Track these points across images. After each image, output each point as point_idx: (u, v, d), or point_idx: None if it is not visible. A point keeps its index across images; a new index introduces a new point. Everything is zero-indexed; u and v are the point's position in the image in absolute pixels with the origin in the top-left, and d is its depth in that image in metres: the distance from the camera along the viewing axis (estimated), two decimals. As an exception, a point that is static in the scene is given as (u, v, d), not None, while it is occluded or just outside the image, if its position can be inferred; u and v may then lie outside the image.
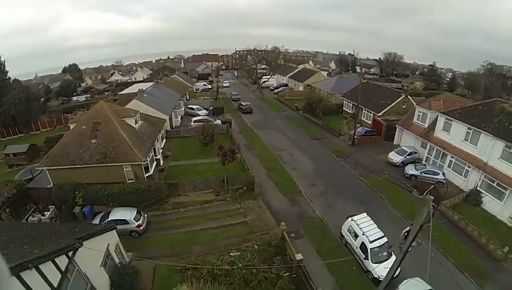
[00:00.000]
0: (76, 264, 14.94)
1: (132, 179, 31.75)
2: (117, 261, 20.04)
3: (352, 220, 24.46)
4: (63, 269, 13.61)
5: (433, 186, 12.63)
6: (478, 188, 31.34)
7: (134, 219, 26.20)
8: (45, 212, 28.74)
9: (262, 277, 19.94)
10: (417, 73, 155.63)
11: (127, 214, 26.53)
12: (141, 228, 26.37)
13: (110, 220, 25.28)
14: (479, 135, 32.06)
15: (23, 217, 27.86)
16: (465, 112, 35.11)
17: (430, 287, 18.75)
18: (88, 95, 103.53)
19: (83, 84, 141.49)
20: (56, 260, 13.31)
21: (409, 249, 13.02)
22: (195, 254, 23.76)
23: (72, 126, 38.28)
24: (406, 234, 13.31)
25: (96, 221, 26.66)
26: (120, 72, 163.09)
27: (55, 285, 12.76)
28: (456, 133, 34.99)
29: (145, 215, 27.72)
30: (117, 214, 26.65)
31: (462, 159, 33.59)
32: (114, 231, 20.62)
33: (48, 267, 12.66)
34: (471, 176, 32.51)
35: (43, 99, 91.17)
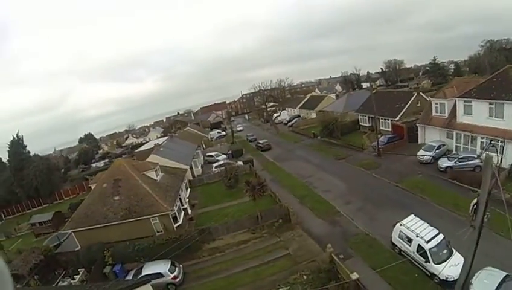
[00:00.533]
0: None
1: (161, 231, 30.48)
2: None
3: (401, 225, 22.61)
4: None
5: (489, 141, 10.76)
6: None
7: (169, 271, 24.75)
8: (75, 276, 28.00)
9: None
10: (420, 74, 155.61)
11: (160, 267, 25.10)
12: (177, 279, 24.81)
13: (144, 275, 23.82)
14: (503, 107, 30.86)
15: (52, 283, 27.21)
16: (480, 89, 34.07)
17: (505, 273, 16.94)
18: (106, 160, 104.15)
19: (100, 151, 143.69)
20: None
21: (484, 224, 11.00)
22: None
23: (93, 187, 37.63)
24: (474, 207, 11.26)
25: (129, 278, 25.31)
26: (134, 135, 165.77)
27: None
28: (479, 113, 33.65)
29: (180, 266, 26.24)
30: (150, 268, 25.29)
31: (492, 136, 31.39)
32: (148, 285, 18.97)
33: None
34: (507, 151, 29.94)
35: (63, 169, 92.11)
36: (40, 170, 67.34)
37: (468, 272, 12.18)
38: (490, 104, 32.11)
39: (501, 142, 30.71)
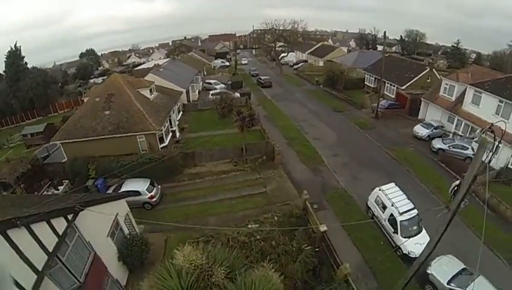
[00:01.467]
0: (78, 229, 13.51)
1: (146, 150, 30.62)
2: (126, 232, 18.76)
3: (380, 190, 22.48)
4: (60, 232, 12.11)
5: (490, 126, 10.32)
6: (510, 166, 28.88)
7: (147, 190, 25.06)
8: (59, 187, 28.34)
9: (282, 250, 18.12)
10: (440, 52, 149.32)
11: (139, 185, 25.31)
12: (154, 199, 25.18)
13: (122, 192, 24.00)
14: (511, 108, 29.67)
15: (37, 192, 27.47)
16: (496, 84, 32.56)
17: (464, 266, 17.39)
18: (105, 77, 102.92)
19: (100, 68, 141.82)
20: (53, 222, 11.83)
21: (459, 209, 10.69)
22: (210, 225, 22.14)
23: (85, 100, 37.37)
24: (455, 188, 11.01)
25: (109, 192, 25.67)
26: (137, 55, 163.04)
27: (50, 249, 11.26)
28: (486, 106, 32.45)
29: (159, 186, 26.58)
30: (130, 185, 25.46)
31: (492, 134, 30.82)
32: (124, 201, 19.41)
33: (42, 229, 11.18)
34: (502, 153, 29.40)
35: (60, 83, 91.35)
36: (36, 82, 66.90)
37: (430, 251, 12.21)
38: (500, 101, 30.95)
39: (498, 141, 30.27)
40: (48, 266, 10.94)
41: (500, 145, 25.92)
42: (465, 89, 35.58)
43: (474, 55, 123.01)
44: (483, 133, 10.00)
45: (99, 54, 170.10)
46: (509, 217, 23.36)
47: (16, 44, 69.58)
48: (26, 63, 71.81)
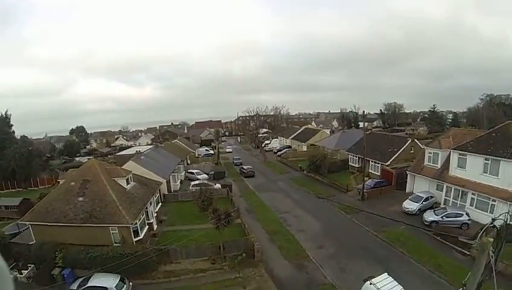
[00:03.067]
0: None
1: (119, 243, 28.95)
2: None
3: (371, 284, 20.37)
4: None
5: (491, 221, 9.48)
6: (509, 222, 27.91)
7: (115, 287, 23.29)
8: (23, 271, 26.79)
9: None
10: (418, 120, 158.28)
11: (108, 281, 23.73)
12: (123, 298, 23.09)
13: (89, 287, 22.72)
14: (499, 164, 30.32)
15: None
16: (478, 142, 33.63)
17: None
18: (91, 157, 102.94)
19: (88, 146, 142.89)
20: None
21: None
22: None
23: (61, 182, 36.42)
24: None
25: (74, 286, 24.25)
26: (125, 137, 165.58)
27: None
28: (473, 167, 33.08)
29: (130, 283, 24.94)
30: (97, 280, 24.00)
31: (484, 193, 31.28)
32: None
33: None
34: (498, 210, 29.15)
35: (45, 157, 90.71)
36: (20, 153, 66.49)
37: None
38: (486, 159, 31.67)
39: (492, 201, 30.45)
40: None
41: (494, 203, 25.32)
42: (449, 154, 36.09)
43: (451, 116, 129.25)
44: (483, 232, 9.18)
45: (89, 132, 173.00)
46: None
47: (6, 112, 71.13)
48: (13, 132, 72.97)
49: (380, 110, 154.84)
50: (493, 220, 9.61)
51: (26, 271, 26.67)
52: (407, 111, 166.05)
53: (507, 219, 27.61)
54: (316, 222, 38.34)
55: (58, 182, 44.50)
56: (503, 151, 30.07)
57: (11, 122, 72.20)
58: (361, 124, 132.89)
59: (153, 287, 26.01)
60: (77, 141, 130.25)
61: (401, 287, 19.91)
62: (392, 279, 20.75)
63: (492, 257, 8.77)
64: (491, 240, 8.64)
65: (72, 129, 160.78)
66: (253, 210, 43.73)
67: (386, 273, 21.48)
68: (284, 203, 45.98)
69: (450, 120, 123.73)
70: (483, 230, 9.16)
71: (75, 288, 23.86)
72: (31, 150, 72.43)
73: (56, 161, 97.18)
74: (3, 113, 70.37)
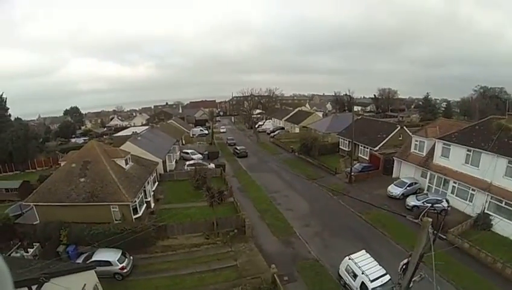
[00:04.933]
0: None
1: (119, 220, 30.88)
2: (95, 303, 18.84)
3: (349, 259, 22.96)
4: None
5: (430, 206, 11.51)
6: (486, 211, 30.21)
7: (118, 260, 25.21)
8: (29, 249, 28.18)
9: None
10: (412, 106, 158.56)
11: (111, 255, 25.56)
12: (125, 270, 25.27)
13: (93, 261, 24.33)
14: (480, 156, 31.65)
15: (5, 253, 26.92)
16: (462, 134, 34.88)
17: None
18: (87, 138, 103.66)
19: (82, 127, 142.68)
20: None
21: (411, 286, 11.45)
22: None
23: (62, 164, 37.85)
24: (404, 266, 11.85)
25: (80, 261, 25.80)
26: (120, 117, 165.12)
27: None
28: (455, 157, 34.44)
29: (131, 257, 26.73)
30: (101, 255, 25.74)
31: (465, 183, 32.86)
32: (93, 271, 19.64)
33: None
34: (477, 200, 31.48)
35: (41, 139, 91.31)
36: (17, 135, 67.08)
37: None
38: (468, 150, 32.95)
39: (472, 190, 31.92)
40: None
41: (474, 192, 27.27)
42: (435, 144, 37.49)
43: (444, 104, 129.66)
44: (423, 215, 11.01)
45: (83, 112, 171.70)
46: (490, 264, 24.20)
47: (1, 95, 71.21)
48: (9, 115, 73.12)
49: (374, 95, 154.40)
50: (432, 205, 11.59)
51: (32, 249, 28.11)
52: (402, 97, 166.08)
53: (448, 206, 30.09)
54: (304, 201, 40.31)
55: (59, 164, 45.75)
56: (484, 144, 31.41)
57: (7, 106, 72.94)
58: (356, 108, 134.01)
59: (151, 260, 27.97)
60: (72, 122, 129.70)
61: (376, 263, 22.18)
62: (369, 255, 23.10)
63: (433, 233, 10.66)
64: (430, 220, 10.51)
65: (66, 110, 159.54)
66: (245, 189, 45.61)
67: (363, 250, 23.85)
68: (274, 184, 47.82)
69: (443, 109, 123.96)
70: (423, 213, 11.05)
71: (80, 262, 25.34)
72: (27, 132, 72.87)
73: (52, 143, 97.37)
74: None
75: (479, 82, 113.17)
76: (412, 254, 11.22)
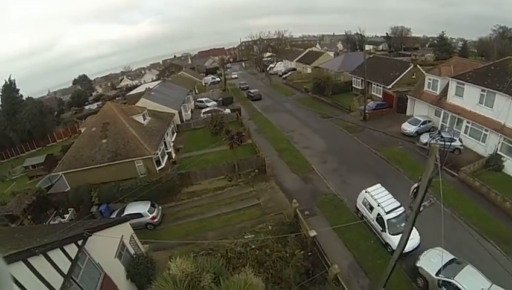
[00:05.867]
0: (88, 253, 15.02)
1: (145, 174, 31.99)
2: (132, 252, 20.12)
3: (366, 192, 23.65)
4: (73, 257, 13.67)
5: (438, 132, 11.72)
6: (498, 152, 29.85)
7: (148, 211, 26.48)
8: (65, 215, 29.46)
9: (277, 257, 19.36)
10: (427, 45, 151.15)
11: (141, 207, 26.77)
12: (156, 220, 26.61)
13: (125, 215, 25.43)
14: (494, 96, 30.63)
15: (44, 222, 28.70)
16: (476, 74, 33.60)
17: (453, 256, 18.16)
18: (100, 102, 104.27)
19: (94, 93, 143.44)
20: (65, 248, 13.38)
21: (421, 209, 11.69)
22: (209, 240, 23.43)
23: (83, 130, 38.74)
24: (415, 191, 11.98)
25: (113, 217, 27.05)
26: (129, 77, 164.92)
27: (65, 272, 12.82)
28: (469, 97, 33.55)
29: (160, 207, 28.05)
30: (131, 208, 26.92)
31: (478, 123, 32.23)
32: (127, 224, 20.70)
33: (57, 255, 12.70)
34: (489, 141, 31.01)
35: (56, 112, 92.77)
36: (33, 113, 68.45)
37: (402, 249, 13.19)
38: (482, 91, 31.94)
39: (485, 130, 31.35)
40: (64, 287, 12.42)
41: (487, 133, 27.47)
42: (448, 82, 36.65)
43: (461, 44, 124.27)
44: (432, 139, 11.26)
45: (91, 78, 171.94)
46: (499, 203, 24.45)
47: (10, 77, 71.48)
48: (21, 96, 73.52)
49: (386, 33, 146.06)
50: (439, 131, 11.68)
51: (68, 215, 29.44)
52: (415, 35, 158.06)
53: (461, 145, 29.45)
54: (320, 139, 40.75)
55: (79, 131, 46.64)
56: (499, 84, 30.26)
57: (18, 87, 73.22)
58: (367, 47, 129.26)
59: (179, 208, 29.33)
60: (83, 90, 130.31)
61: (391, 196, 22.65)
62: (384, 189, 23.55)
63: (439, 158, 10.95)
64: (438, 146, 10.69)
65: (75, 79, 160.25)
66: (262, 130, 46.33)
67: (379, 184, 24.28)
68: (290, 123, 48.24)
69: (460, 48, 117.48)
70: (431, 138, 11.18)
71: (115, 217, 26.77)
72: (42, 108, 74.19)
73: (67, 114, 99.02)
74: (7, 80, 71.09)
75: (498, 22, 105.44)
76: (421, 178, 11.32)
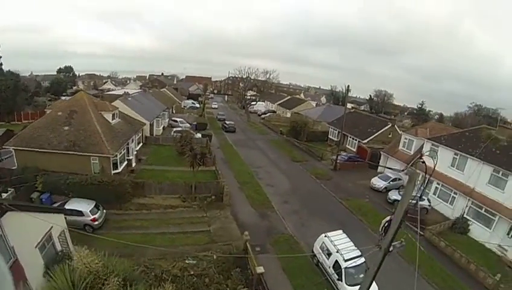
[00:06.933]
0: (2, 229, 13.36)
1: (98, 173, 30.49)
2: (59, 249, 18.45)
3: (326, 236, 22.66)
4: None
5: (419, 156, 10.84)
6: (465, 216, 30.59)
7: (90, 211, 24.77)
8: (3, 194, 27.33)
9: (215, 289, 18.32)
10: (406, 113, 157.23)
11: (84, 205, 25.08)
12: (96, 222, 24.91)
13: (65, 209, 23.54)
14: (466, 160, 31.97)
15: None
16: (451, 138, 35.32)
17: None
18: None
19: (74, 87, 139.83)
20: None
21: (391, 250, 10.44)
22: (148, 256, 21.96)
23: (48, 111, 37.27)
24: (386, 225, 10.80)
25: (50, 206, 25.30)
26: (113, 82, 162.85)
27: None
28: (442, 160, 34.38)
29: (104, 211, 26.38)
30: (74, 204, 25.14)
31: (448, 185, 33.13)
32: (62, 216, 19.20)
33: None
34: (457, 203, 31.89)
35: (31, 93, 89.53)
36: (6, 85, 65.60)
37: None
38: (455, 154, 33.21)
39: (454, 193, 32.23)
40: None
41: (455, 196, 27.67)
42: (423, 144, 37.71)
43: (437, 116, 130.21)
44: (411, 164, 10.32)
45: (76, 73, 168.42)
46: (463, 264, 24.66)
47: None
48: (1, 64, 71.14)
49: (370, 95, 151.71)
50: (421, 156, 10.74)
51: (6, 194, 27.33)
52: (396, 103, 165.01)
53: (429, 205, 30.12)
54: (286, 179, 40.36)
55: (45, 112, 44.87)
56: (472, 150, 31.82)
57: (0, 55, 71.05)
58: (349, 106, 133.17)
59: (125, 217, 27.60)
60: (64, 80, 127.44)
61: (352, 244, 21.78)
62: (346, 235, 22.77)
63: (423, 180, 9.94)
64: (419, 172, 9.80)
65: (60, 68, 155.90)
66: (228, 161, 45.57)
67: (341, 230, 23.55)
68: (259, 160, 47.88)
69: (436, 119, 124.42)
70: (411, 162, 10.41)
71: (52, 209, 25.13)
72: (18, 83, 71.38)
73: (41, 98, 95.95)
74: None
75: (474, 100, 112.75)
76: (394, 211, 10.27)
